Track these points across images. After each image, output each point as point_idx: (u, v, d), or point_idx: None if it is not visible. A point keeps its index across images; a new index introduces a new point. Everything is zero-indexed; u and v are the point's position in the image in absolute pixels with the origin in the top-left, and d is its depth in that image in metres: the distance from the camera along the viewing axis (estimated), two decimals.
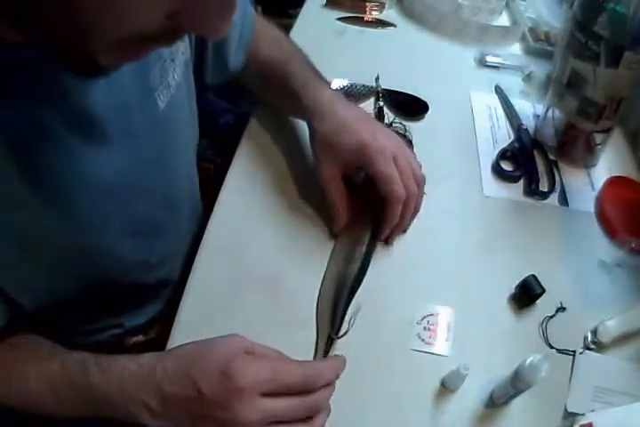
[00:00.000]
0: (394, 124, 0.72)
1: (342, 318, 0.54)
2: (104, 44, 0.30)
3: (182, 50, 0.53)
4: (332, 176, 0.59)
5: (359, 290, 0.57)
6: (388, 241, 0.62)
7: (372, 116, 0.76)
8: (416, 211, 0.61)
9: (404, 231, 0.63)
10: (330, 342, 0.52)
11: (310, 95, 0.62)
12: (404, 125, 0.73)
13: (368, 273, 0.59)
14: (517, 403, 0.51)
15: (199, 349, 0.44)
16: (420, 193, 0.60)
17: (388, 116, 0.76)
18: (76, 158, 0.42)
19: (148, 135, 0.49)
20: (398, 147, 0.60)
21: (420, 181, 0.60)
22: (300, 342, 0.53)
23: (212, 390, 0.40)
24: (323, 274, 0.58)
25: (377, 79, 0.81)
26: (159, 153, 0.52)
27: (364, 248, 0.59)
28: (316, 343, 0.53)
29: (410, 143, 0.70)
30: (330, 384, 0.46)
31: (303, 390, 0.43)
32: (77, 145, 0.42)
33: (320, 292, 0.57)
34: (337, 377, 0.47)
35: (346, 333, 0.53)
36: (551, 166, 0.73)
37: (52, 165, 0.41)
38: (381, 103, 0.78)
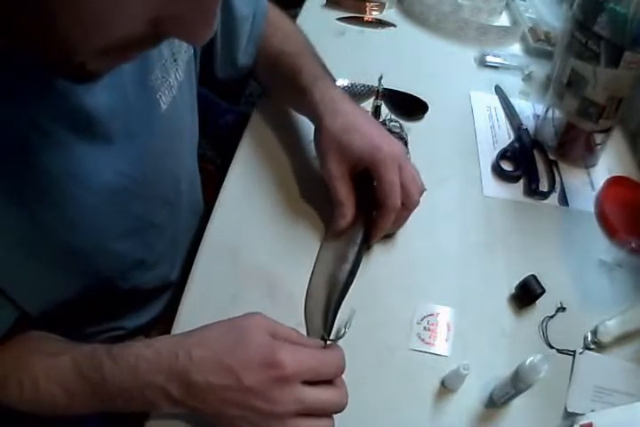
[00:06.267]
0: (390, 123, 0.70)
1: (334, 319, 0.54)
2: (90, 53, 0.30)
3: (185, 48, 0.53)
4: (342, 175, 0.58)
5: (356, 291, 0.57)
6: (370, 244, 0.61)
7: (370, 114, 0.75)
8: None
9: (391, 236, 0.62)
10: (325, 343, 0.52)
11: (321, 92, 0.61)
12: (400, 124, 0.71)
13: (368, 272, 0.59)
14: (517, 403, 0.51)
15: (228, 336, 0.43)
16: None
17: (385, 114, 0.76)
18: (77, 159, 0.42)
19: (149, 137, 0.49)
20: (404, 156, 0.59)
21: (421, 191, 0.59)
22: None
23: (255, 381, 0.40)
24: (310, 272, 0.58)
25: (380, 79, 0.81)
26: (160, 154, 0.52)
27: (356, 248, 0.58)
28: None
29: (405, 144, 0.68)
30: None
31: (331, 380, 0.45)
32: (78, 146, 0.42)
33: (308, 291, 0.57)
34: None
35: (342, 336, 0.52)
36: (551, 166, 0.73)
37: (51, 165, 0.41)
38: (379, 102, 0.78)
